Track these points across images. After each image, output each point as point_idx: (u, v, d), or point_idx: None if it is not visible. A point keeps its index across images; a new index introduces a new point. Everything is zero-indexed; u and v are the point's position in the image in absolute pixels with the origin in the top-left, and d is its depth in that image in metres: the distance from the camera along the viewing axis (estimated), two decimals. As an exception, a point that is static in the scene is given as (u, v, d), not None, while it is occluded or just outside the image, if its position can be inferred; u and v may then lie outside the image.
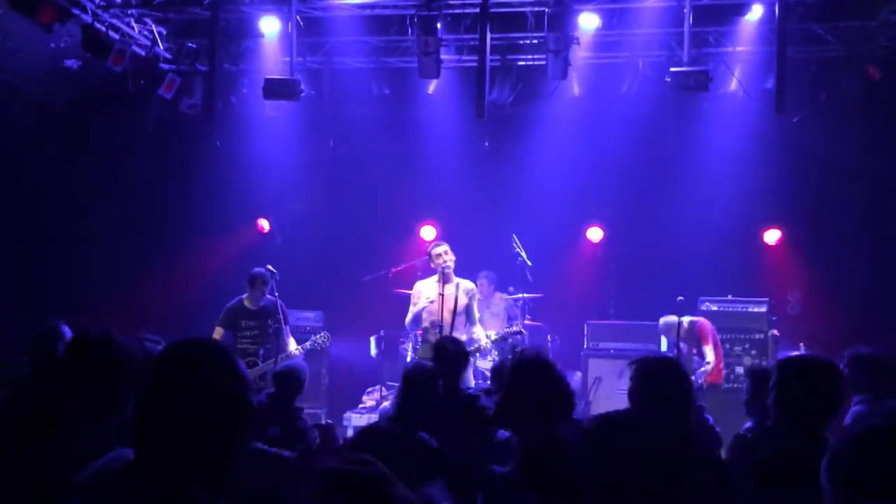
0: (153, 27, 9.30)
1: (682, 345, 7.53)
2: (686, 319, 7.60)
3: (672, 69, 8.09)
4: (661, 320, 8.03)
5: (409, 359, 8.51)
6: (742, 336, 8.81)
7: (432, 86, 9.85)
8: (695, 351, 7.86)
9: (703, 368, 7.70)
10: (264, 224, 11.27)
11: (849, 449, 1.76)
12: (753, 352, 8.71)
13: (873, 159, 9.31)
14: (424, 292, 7.76)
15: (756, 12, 8.33)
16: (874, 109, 8.89)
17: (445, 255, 7.71)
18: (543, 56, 8.62)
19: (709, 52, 8.91)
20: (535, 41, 9.08)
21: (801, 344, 8.08)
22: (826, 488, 1.78)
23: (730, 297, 9.25)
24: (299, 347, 7.89)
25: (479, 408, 5.14)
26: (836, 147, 9.33)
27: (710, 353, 7.82)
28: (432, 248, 7.86)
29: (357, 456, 1.80)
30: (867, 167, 9.43)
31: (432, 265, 7.82)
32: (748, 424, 4.74)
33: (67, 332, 5.51)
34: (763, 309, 9.10)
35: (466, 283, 7.85)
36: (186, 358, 1.84)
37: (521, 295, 9.15)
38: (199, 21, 9.15)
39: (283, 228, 11.19)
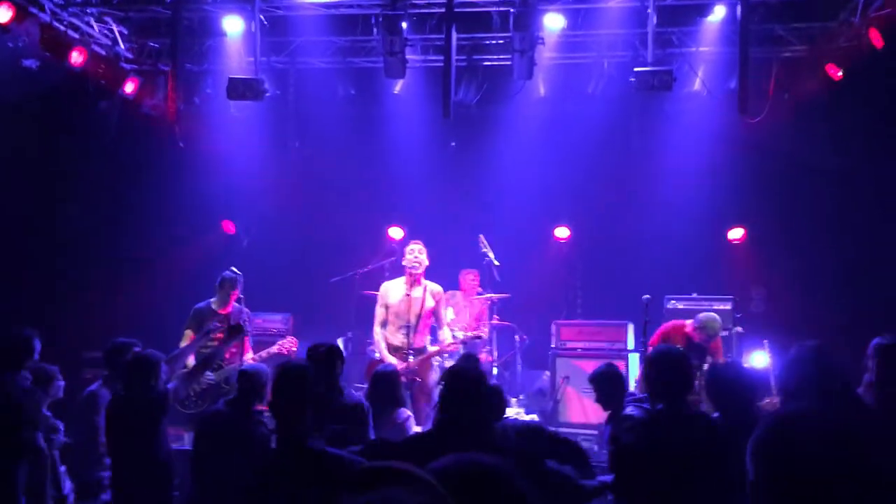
0: (114, 26, 9.16)
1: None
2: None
3: (636, 69, 8.13)
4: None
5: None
6: (707, 333, 8.83)
7: (398, 85, 9.81)
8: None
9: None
10: (230, 226, 11.14)
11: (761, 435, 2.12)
12: (718, 349, 8.77)
13: (834, 157, 9.44)
14: (392, 292, 7.69)
15: (718, 13, 8.41)
16: (835, 108, 9.03)
17: (419, 254, 7.58)
18: (509, 56, 8.64)
19: (672, 52, 8.99)
20: (500, 41, 9.11)
21: (766, 341, 8.13)
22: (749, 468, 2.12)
23: (695, 294, 9.31)
24: (254, 357, 7.77)
25: None
26: (798, 145, 9.43)
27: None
28: (408, 244, 7.80)
29: None
30: (828, 165, 9.55)
31: (403, 262, 7.77)
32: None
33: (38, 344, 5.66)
34: (728, 306, 9.15)
35: (434, 287, 7.75)
36: None
37: (489, 295, 9.14)
38: (160, 20, 9.03)
39: (249, 230, 11.06)
